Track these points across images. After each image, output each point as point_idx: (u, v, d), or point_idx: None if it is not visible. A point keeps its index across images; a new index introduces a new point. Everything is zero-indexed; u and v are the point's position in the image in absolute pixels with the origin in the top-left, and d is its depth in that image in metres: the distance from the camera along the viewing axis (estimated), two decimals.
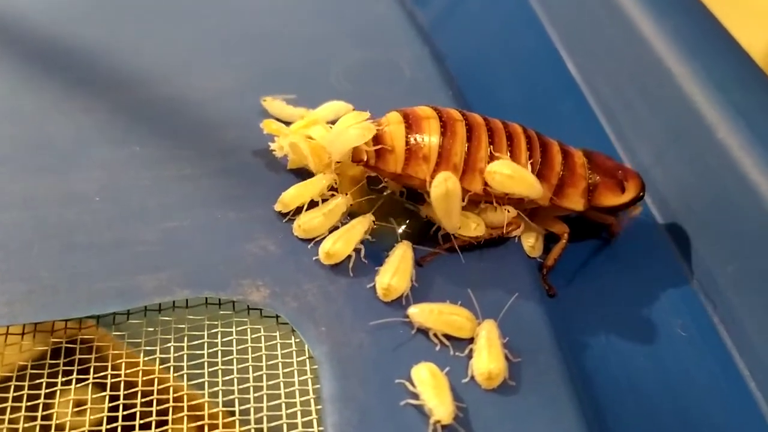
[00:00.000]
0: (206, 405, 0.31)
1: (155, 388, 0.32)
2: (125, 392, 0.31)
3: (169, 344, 0.33)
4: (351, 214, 0.37)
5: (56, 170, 0.40)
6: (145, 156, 0.40)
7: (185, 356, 0.33)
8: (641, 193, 0.37)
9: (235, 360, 0.33)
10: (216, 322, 0.34)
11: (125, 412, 0.30)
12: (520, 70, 0.48)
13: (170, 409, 0.31)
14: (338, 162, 0.37)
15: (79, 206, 0.38)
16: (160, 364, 0.33)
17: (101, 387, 0.33)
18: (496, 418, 0.30)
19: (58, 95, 0.44)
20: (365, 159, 0.35)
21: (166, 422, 0.30)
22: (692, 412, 0.33)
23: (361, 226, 0.35)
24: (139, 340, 0.33)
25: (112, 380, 0.32)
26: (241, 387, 0.32)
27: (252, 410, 0.31)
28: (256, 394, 0.32)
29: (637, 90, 0.43)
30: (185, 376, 0.32)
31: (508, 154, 0.35)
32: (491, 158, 0.35)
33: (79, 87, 0.45)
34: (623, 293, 0.37)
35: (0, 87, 0.45)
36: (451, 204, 0.34)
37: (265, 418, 0.31)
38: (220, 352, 0.33)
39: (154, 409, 0.31)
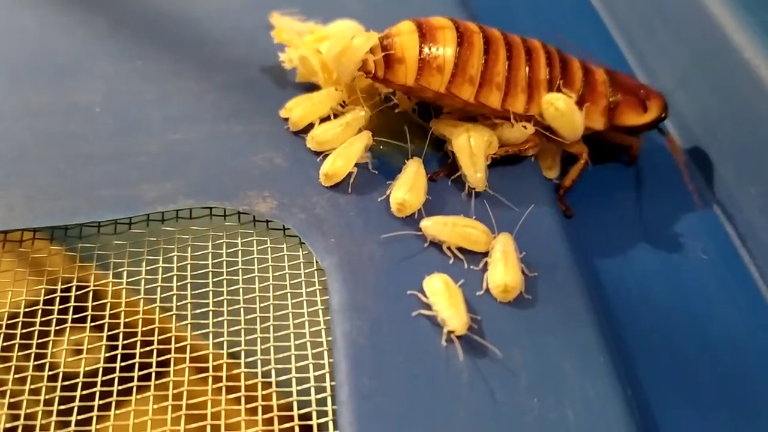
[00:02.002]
0: (211, 315, 0.30)
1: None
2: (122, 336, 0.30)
3: (172, 254, 0.32)
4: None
5: (55, 82, 0.38)
6: (148, 70, 0.39)
7: (189, 266, 0.32)
8: (664, 114, 0.36)
9: (240, 271, 0.32)
10: (221, 233, 0.33)
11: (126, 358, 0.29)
12: None
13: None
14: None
15: (80, 117, 0.36)
16: (162, 274, 0.31)
17: (100, 329, 0.31)
18: (512, 331, 0.29)
19: (55, 9, 0.43)
20: (373, 70, 0.33)
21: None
22: (712, 334, 0.32)
23: (360, 142, 0.34)
24: (142, 250, 0.32)
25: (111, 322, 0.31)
26: (246, 297, 0.31)
27: (258, 320, 0.30)
28: (262, 305, 0.30)
29: (657, 10, 0.41)
30: (189, 285, 0.31)
31: (527, 68, 0.34)
32: (510, 70, 0.33)
33: (77, 1, 0.43)
34: (643, 216, 0.36)
35: None
36: (476, 157, 0.33)
37: (271, 328, 0.30)
38: (225, 263, 0.32)
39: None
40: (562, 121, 0.34)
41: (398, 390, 0.27)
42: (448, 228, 0.31)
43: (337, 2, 0.44)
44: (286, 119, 0.36)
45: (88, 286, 0.31)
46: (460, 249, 0.31)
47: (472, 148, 0.33)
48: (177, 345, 0.29)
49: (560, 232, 0.33)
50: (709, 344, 0.32)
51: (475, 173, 0.33)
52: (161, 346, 0.29)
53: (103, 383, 0.28)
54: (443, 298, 0.29)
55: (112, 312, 0.30)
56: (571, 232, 0.34)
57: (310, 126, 0.35)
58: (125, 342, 0.29)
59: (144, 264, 0.32)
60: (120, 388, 0.28)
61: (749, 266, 0.34)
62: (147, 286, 0.31)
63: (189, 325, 0.30)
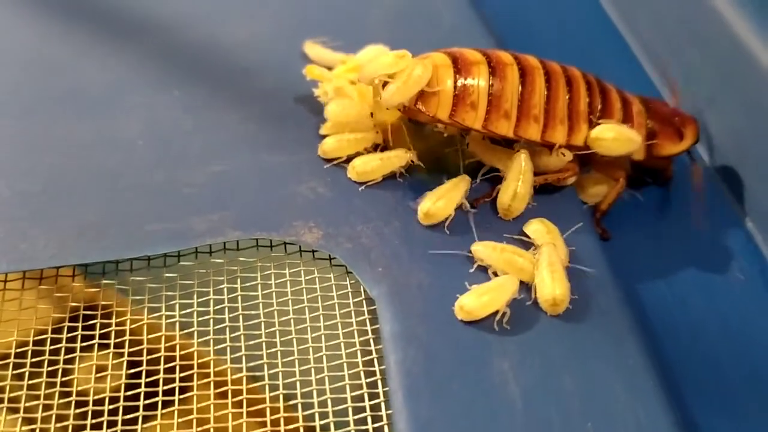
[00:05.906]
0: (264, 346, 0.31)
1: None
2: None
3: (222, 285, 0.32)
4: None
5: (94, 115, 0.39)
6: (185, 100, 0.40)
7: (239, 297, 0.32)
8: (697, 138, 0.37)
9: (290, 301, 0.32)
10: (268, 264, 0.33)
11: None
12: (560, 15, 0.47)
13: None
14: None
15: (123, 150, 0.37)
16: (214, 306, 0.32)
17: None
18: (561, 358, 0.30)
19: (86, 41, 0.43)
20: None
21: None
22: (755, 355, 0.33)
23: (463, 184, 0.34)
24: (192, 282, 0.32)
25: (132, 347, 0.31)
26: (298, 327, 0.31)
27: (311, 350, 0.30)
28: (314, 335, 0.31)
29: (684, 32, 0.42)
30: (240, 317, 0.31)
31: (567, 99, 0.34)
32: (549, 101, 0.34)
33: (107, 32, 0.44)
34: (679, 238, 0.36)
35: (27, 34, 0.44)
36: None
37: (324, 358, 0.30)
38: (274, 294, 0.32)
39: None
40: (617, 145, 0.34)
41: (456, 418, 0.28)
42: (497, 253, 0.32)
43: (364, 28, 0.45)
44: None
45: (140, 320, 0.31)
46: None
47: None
48: (233, 377, 0.30)
49: (600, 256, 0.34)
50: (751, 366, 0.32)
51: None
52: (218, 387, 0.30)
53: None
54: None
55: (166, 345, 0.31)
56: (608, 255, 0.34)
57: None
58: (181, 382, 0.30)
59: (195, 296, 0.32)
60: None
61: None
62: (199, 318, 0.31)
63: (243, 357, 0.30)
